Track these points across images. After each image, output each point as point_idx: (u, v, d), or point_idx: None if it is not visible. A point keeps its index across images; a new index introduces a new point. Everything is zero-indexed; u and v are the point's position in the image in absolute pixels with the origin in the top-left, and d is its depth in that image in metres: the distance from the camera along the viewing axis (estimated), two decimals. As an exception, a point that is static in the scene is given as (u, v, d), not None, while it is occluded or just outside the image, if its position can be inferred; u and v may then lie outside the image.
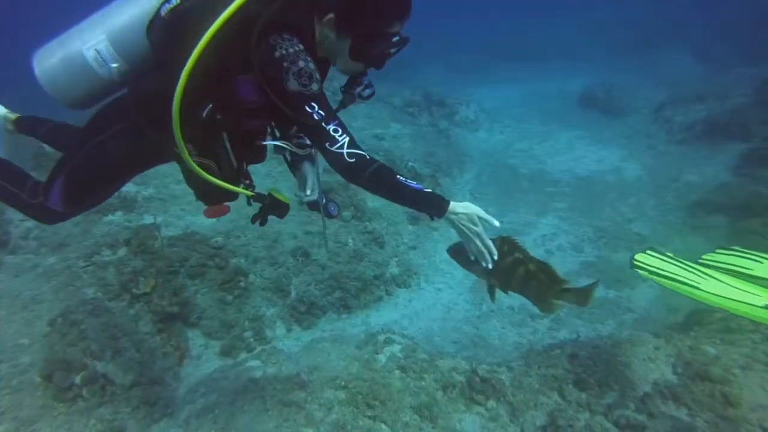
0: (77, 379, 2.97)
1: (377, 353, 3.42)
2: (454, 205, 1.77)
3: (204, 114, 1.85)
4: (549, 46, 15.58)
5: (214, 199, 2.13)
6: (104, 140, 2.06)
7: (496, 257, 1.82)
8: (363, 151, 1.74)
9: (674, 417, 2.57)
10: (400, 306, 5.00)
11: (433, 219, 1.85)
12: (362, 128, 8.31)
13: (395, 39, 1.81)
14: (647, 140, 8.56)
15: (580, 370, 2.98)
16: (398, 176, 1.76)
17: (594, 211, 6.65)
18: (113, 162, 2.09)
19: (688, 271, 2.81)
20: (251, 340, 4.17)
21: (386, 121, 8.97)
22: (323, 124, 1.71)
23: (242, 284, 4.41)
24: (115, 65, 1.89)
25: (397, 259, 5.41)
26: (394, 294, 5.11)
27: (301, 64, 1.70)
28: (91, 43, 1.87)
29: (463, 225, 1.79)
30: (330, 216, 2.40)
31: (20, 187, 2.23)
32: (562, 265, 5.66)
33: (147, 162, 2.19)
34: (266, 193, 2.18)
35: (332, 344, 3.78)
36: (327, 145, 1.71)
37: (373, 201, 6.13)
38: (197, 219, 5.31)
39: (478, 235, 1.80)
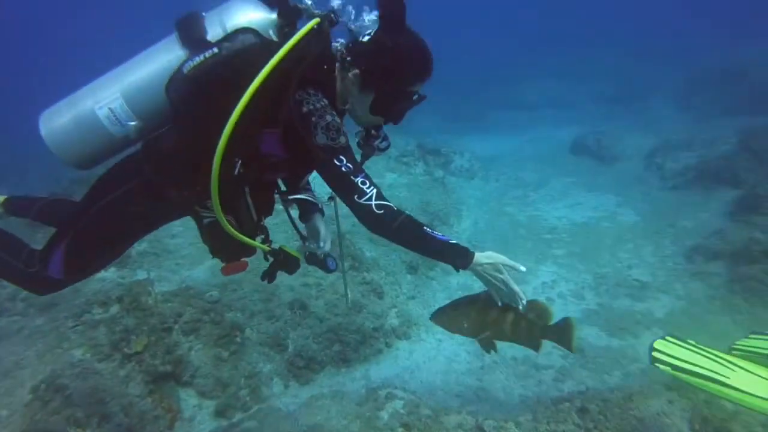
0: (60, 451, 2.81)
1: (379, 410, 3.29)
2: (478, 256, 1.84)
3: (236, 170, 1.84)
4: (538, 97, 16.03)
5: (232, 255, 2.10)
6: (114, 200, 2.02)
7: (525, 301, 1.90)
8: (390, 202, 1.80)
9: (694, 476, 2.44)
10: (401, 358, 4.85)
11: (458, 270, 1.89)
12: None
13: (415, 97, 1.89)
14: (640, 186, 8.65)
15: (592, 425, 2.86)
16: (424, 227, 1.83)
17: (593, 257, 6.62)
18: (123, 223, 2.05)
19: (715, 361, 2.66)
20: (247, 398, 4.00)
21: (381, 171, 9.05)
22: (351, 176, 1.75)
23: (238, 339, 4.29)
24: (132, 123, 1.86)
25: (396, 309, 5.31)
26: (394, 346, 4.97)
27: (329, 118, 1.74)
28: (105, 102, 1.85)
29: (488, 275, 1.84)
30: (329, 270, 2.42)
31: (16, 255, 2.13)
32: (563, 314, 5.50)
33: (158, 221, 2.17)
34: (277, 248, 2.17)
35: (332, 401, 3.65)
36: (355, 197, 1.74)
37: (370, 251, 6.08)
38: (192, 273, 5.24)
39: (504, 282, 1.88)
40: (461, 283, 6.33)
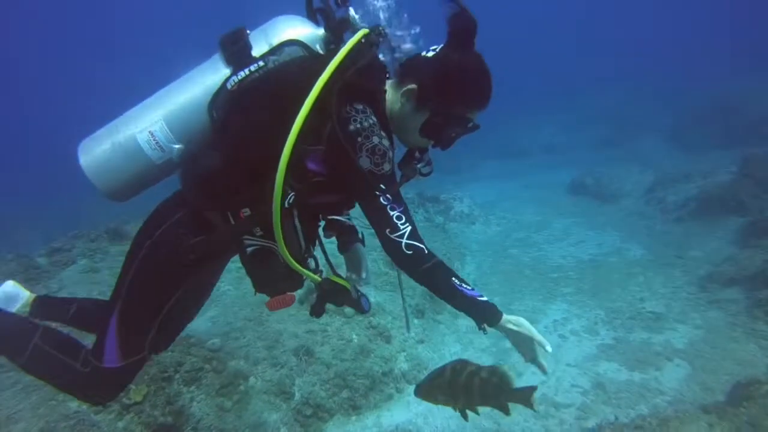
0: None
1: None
2: (506, 319, 1.68)
3: (290, 190, 1.69)
4: (531, 143, 16.29)
5: (278, 289, 1.90)
6: (153, 245, 1.82)
7: (550, 349, 1.76)
8: (423, 244, 1.65)
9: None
10: (413, 403, 4.59)
11: (483, 330, 1.73)
12: (358, 225, 8.31)
13: (471, 125, 1.75)
14: (643, 221, 8.60)
15: (626, 455, 2.64)
16: (453, 278, 1.66)
17: (603, 292, 6.46)
18: (168, 272, 1.83)
19: None
20: (252, 451, 3.74)
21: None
22: (388, 209, 1.61)
23: (242, 388, 4.07)
24: (174, 147, 1.75)
25: (405, 353, 5.09)
26: (404, 391, 4.73)
27: (375, 140, 1.60)
28: (145, 126, 1.74)
29: (514, 330, 1.73)
30: (363, 311, 2.12)
31: (74, 356, 1.89)
32: (579, 350, 5.35)
33: (206, 265, 1.90)
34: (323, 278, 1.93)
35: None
36: (387, 231, 1.61)
37: (375, 296, 5.92)
38: (192, 324, 5.05)
39: (530, 332, 1.73)
40: (470, 326, 6.13)
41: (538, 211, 10.41)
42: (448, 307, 6.06)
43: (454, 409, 1.88)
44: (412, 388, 4.83)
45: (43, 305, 2.17)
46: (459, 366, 1.84)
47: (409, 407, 4.57)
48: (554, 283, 6.99)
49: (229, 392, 4.02)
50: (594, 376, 4.85)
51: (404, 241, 1.60)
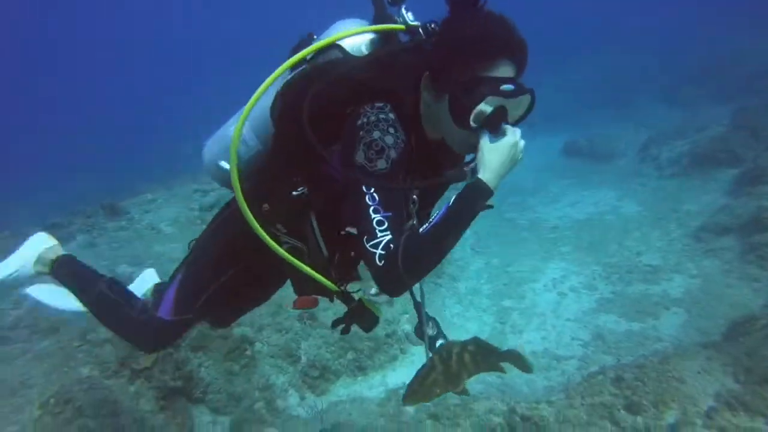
0: (73, 464, 2.65)
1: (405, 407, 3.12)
2: (489, 177, 1.38)
3: (296, 189, 1.65)
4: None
5: (306, 290, 1.83)
6: (217, 223, 1.92)
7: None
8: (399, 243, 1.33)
9: (751, 428, 2.30)
10: (417, 363, 4.63)
11: (489, 206, 1.45)
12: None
13: (506, 87, 1.36)
14: (638, 179, 8.64)
15: (630, 392, 2.72)
16: (424, 229, 1.37)
17: (600, 249, 6.53)
18: (227, 250, 1.87)
19: None
20: (263, 411, 3.82)
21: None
22: (371, 211, 1.35)
23: (248, 353, 4.12)
24: (255, 147, 1.76)
25: (407, 315, 5.16)
26: (408, 352, 4.81)
27: (376, 135, 1.41)
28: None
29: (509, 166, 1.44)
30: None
31: (131, 305, 2.02)
32: (578, 305, 5.44)
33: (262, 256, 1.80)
34: (355, 299, 1.85)
35: (352, 404, 3.48)
36: (364, 238, 1.34)
37: (375, 260, 5.97)
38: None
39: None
40: (469, 288, 6.21)
41: (533, 175, 10.40)
42: (447, 269, 6.10)
43: (454, 392, 1.91)
44: (416, 349, 4.95)
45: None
46: (444, 353, 1.86)
47: (413, 366, 4.64)
48: (551, 243, 7.05)
49: (236, 357, 4.07)
50: (593, 328, 4.95)
51: (378, 251, 1.31)
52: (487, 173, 1.38)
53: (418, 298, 2.02)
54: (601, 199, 8.23)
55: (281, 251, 1.62)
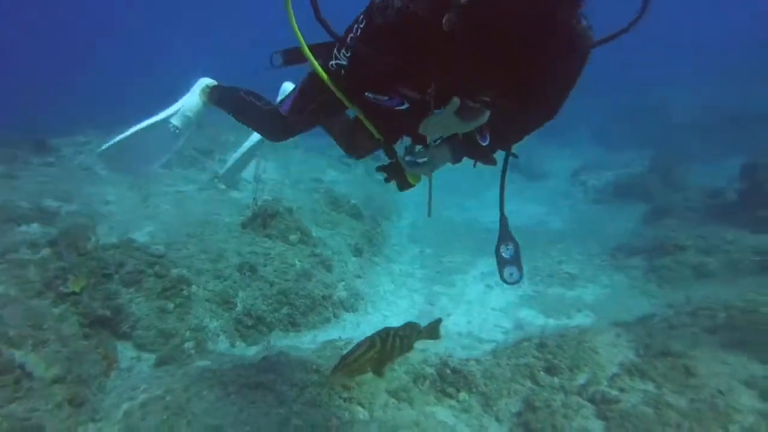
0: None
1: (341, 350, 3.24)
2: None
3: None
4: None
5: (363, 137, 2.13)
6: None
7: None
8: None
9: (644, 390, 2.64)
10: (349, 329, 4.81)
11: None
12: (299, 171, 8.34)
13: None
14: (566, 200, 9.32)
15: (551, 357, 3.01)
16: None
17: (526, 253, 6.85)
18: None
19: None
20: (192, 351, 3.77)
21: (323, 167, 9.07)
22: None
23: (185, 293, 4.06)
24: None
25: (344, 283, 5.28)
26: (341, 317, 4.93)
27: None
28: None
29: None
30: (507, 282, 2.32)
31: (260, 100, 2.56)
32: (503, 298, 5.80)
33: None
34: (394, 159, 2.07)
35: (288, 351, 3.54)
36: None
37: (316, 231, 6.04)
38: (131, 234, 4.91)
39: None
40: (403, 270, 6.44)
41: (471, 182, 10.85)
42: (384, 251, 6.30)
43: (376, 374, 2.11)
44: (349, 316, 5.08)
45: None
46: (383, 335, 2.06)
47: (345, 331, 4.77)
48: (484, 241, 7.41)
49: (171, 296, 4.00)
50: (515, 319, 5.31)
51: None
52: None
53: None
54: (532, 213, 8.79)
55: (335, 89, 1.84)
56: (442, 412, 2.88)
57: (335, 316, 4.87)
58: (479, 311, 5.48)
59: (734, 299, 3.32)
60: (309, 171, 8.59)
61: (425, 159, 1.93)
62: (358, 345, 2.02)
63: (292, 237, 5.35)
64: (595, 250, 6.98)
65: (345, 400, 2.59)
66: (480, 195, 9.92)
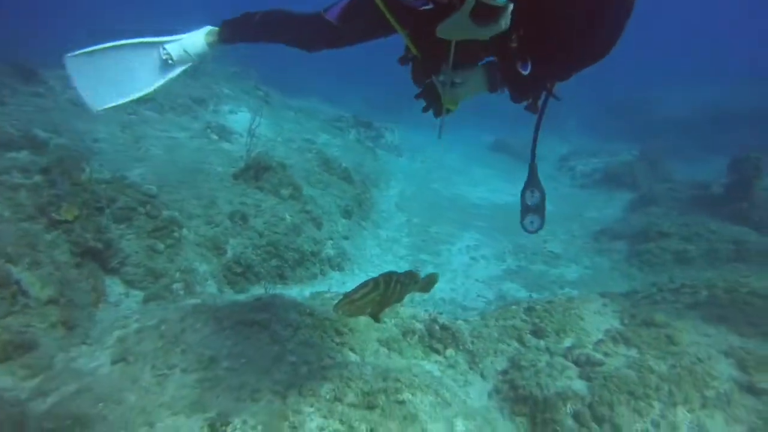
0: (-15, 279, 2.49)
1: (334, 300, 3.27)
2: None
3: None
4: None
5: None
6: None
7: None
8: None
9: (627, 355, 2.74)
10: (335, 287, 4.83)
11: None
12: (291, 131, 8.25)
13: None
14: (553, 183, 9.43)
15: (538, 320, 3.09)
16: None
17: (511, 231, 7.07)
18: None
19: None
20: (181, 292, 3.76)
21: (315, 130, 8.98)
22: None
23: (176, 235, 4.03)
24: None
25: (332, 242, 5.30)
26: (328, 275, 4.96)
27: None
28: None
29: None
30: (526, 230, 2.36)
31: (290, 12, 2.43)
32: (486, 270, 5.91)
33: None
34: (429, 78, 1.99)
35: (282, 294, 3.56)
36: None
37: (307, 189, 6.02)
38: (124, 172, 4.83)
39: None
40: (390, 237, 6.49)
41: (460, 159, 10.96)
42: (372, 216, 6.35)
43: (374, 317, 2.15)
44: (335, 274, 5.12)
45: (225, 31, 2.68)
46: (387, 277, 2.09)
47: (330, 289, 4.81)
48: (470, 216, 7.52)
49: (162, 236, 3.96)
50: (498, 291, 5.42)
51: None
52: None
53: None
54: (518, 192, 8.85)
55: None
56: (429, 366, 2.95)
57: (322, 273, 4.90)
58: (463, 281, 5.57)
59: (716, 279, 3.45)
60: (301, 131, 8.50)
61: (459, 80, 1.91)
62: (363, 284, 2.04)
63: (284, 191, 5.33)
64: (578, 233, 7.12)
65: (338, 344, 2.63)
66: (468, 171, 10.00)
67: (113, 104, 2.47)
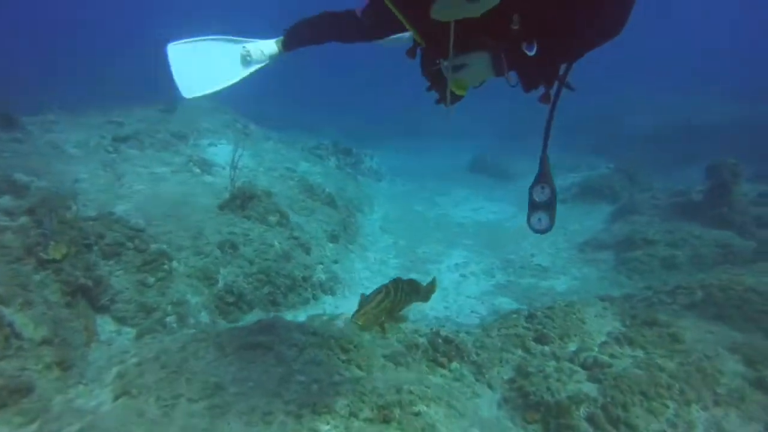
0: (-22, 322, 2.40)
1: (333, 320, 3.24)
2: None
3: None
4: (440, 126, 16.98)
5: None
6: None
7: None
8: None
9: (633, 356, 2.77)
10: (329, 311, 4.78)
11: None
12: (272, 160, 8.25)
13: None
14: (532, 199, 9.56)
15: (540, 327, 3.10)
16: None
17: (498, 247, 7.15)
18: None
19: None
20: (174, 326, 3.68)
21: (295, 159, 8.99)
22: None
23: (166, 267, 3.96)
24: None
25: (322, 266, 5.27)
26: (320, 300, 4.92)
27: None
28: None
29: None
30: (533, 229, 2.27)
31: (335, 12, 2.66)
32: (477, 287, 5.93)
33: None
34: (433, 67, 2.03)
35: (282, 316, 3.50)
36: None
37: (293, 216, 6.00)
38: (110, 209, 4.74)
39: None
40: (378, 259, 6.48)
41: (441, 180, 11.06)
42: (358, 240, 6.41)
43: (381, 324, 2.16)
44: (327, 298, 5.07)
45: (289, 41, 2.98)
46: (394, 284, 2.17)
47: (324, 312, 4.76)
48: (455, 235, 7.58)
49: (152, 270, 3.89)
50: (490, 306, 5.42)
51: None
52: None
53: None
54: (500, 210, 8.99)
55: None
56: (435, 380, 2.92)
57: (314, 297, 4.85)
58: (455, 298, 5.57)
59: (710, 278, 3.52)
60: (282, 160, 8.50)
61: (463, 62, 1.89)
62: (375, 292, 2.04)
63: (271, 218, 5.30)
64: (563, 245, 7.21)
65: (344, 361, 2.59)
66: (449, 192, 10.10)
67: (203, 93, 2.75)
